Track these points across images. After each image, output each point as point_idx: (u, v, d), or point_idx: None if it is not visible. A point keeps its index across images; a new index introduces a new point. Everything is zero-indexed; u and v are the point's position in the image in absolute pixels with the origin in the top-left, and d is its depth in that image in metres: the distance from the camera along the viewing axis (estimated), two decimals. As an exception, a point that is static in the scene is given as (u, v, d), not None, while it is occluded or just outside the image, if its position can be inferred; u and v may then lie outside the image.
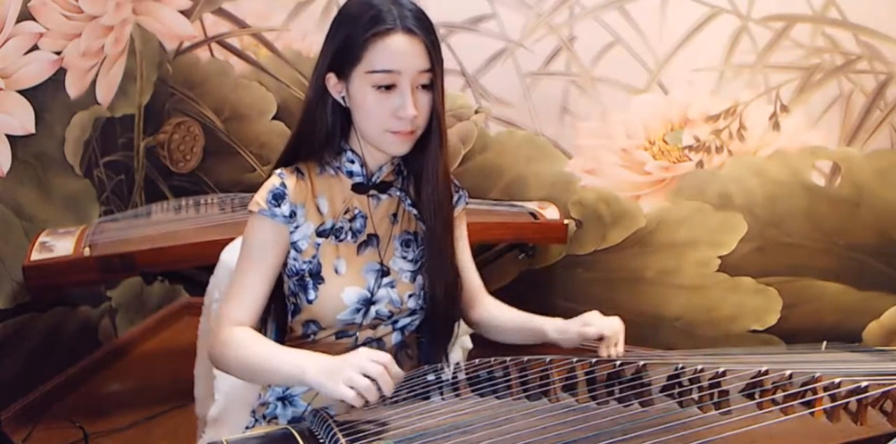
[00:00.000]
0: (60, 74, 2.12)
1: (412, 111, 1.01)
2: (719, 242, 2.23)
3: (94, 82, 2.28)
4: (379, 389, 0.86)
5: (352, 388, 0.85)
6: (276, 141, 2.52)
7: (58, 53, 2.10)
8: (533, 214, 2.17)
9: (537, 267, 2.39)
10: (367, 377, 0.86)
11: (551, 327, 1.13)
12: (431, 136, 1.08)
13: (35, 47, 2.01)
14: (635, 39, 2.12)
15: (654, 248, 2.29)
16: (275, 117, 2.50)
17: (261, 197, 1.07)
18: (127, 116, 2.49)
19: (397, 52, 0.99)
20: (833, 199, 2.10)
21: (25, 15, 1.97)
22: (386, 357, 0.88)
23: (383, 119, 1.03)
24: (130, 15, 2.42)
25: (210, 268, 1.45)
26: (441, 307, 1.15)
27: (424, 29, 1.01)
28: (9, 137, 1.96)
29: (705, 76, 2.11)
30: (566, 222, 2.18)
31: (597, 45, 2.16)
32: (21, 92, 1.99)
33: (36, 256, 1.81)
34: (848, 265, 2.15)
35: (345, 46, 1.02)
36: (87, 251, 1.81)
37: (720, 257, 2.24)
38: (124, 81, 2.43)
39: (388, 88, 1.01)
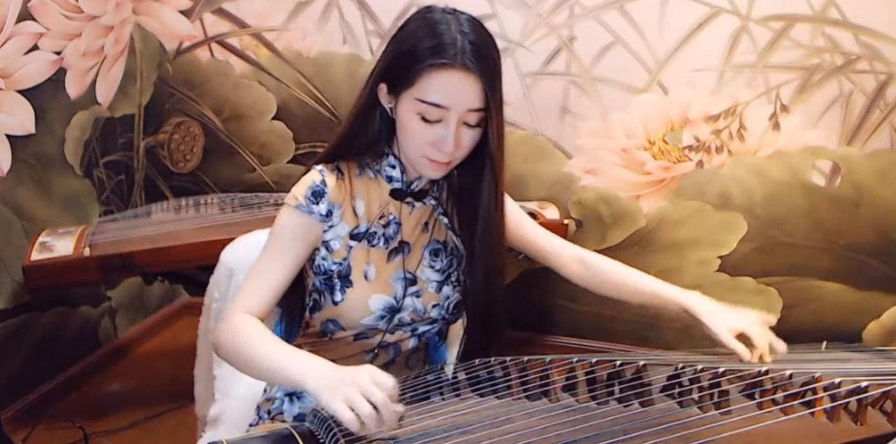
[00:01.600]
0: (60, 73, 2.12)
1: (451, 148, 1.00)
2: (719, 242, 2.23)
3: (94, 82, 2.28)
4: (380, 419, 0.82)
5: (352, 410, 0.81)
6: (276, 141, 2.52)
7: (58, 53, 2.10)
8: (533, 215, 2.16)
9: (537, 267, 2.38)
10: (370, 402, 0.82)
11: (697, 305, 1.14)
12: (485, 167, 1.06)
13: (35, 47, 2.01)
14: (635, 39, 2.12)
15: (654, 248, 2.29)
16: (275, 117, 2.50)
17: (299, 192, 1.06)
18: (127, 116, 2.49)
19: (450, 88, 0.97)
20: (833, 199, 2.10)
21: (25, 15, 1.97)
22: (390, 383, 0.84)
23: (422, 146, 1.02)
24: (130, 15, 2.42)
25: (210, 268, 1.45)
26: (486, 329, 1.15)
27: (485, 66, 0.98)
28: (9, 137, 1.96)
29: (705, 76, 2.11)
30: (566, 221, 2.18)
31: (597, 45, 2.16)
32: (21, 92, 1.99)
33: (36, 256, 1.81)
34: (848, 265, 2.15)
35: (401, 64, 1.00)
36: (87, 251, 1.81)
37: (720, 257, 2.24)
38: (124, 81, 2.43)
39: (435, 119, 0.99)
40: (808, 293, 2.20)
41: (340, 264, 1.09)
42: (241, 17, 2.43)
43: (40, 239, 1.91)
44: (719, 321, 1.10)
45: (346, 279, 1.09)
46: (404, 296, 1.11)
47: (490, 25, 2.19)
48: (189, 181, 2.65)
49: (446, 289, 1.14)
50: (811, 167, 2.10)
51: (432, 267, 1.14)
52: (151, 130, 2.60)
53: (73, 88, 2.19)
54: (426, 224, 1.14)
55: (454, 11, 1.02)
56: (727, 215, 2.20)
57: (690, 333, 2.49)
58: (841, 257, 2.15)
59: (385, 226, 1.11)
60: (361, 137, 1.09)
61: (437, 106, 0.98)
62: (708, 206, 2.21)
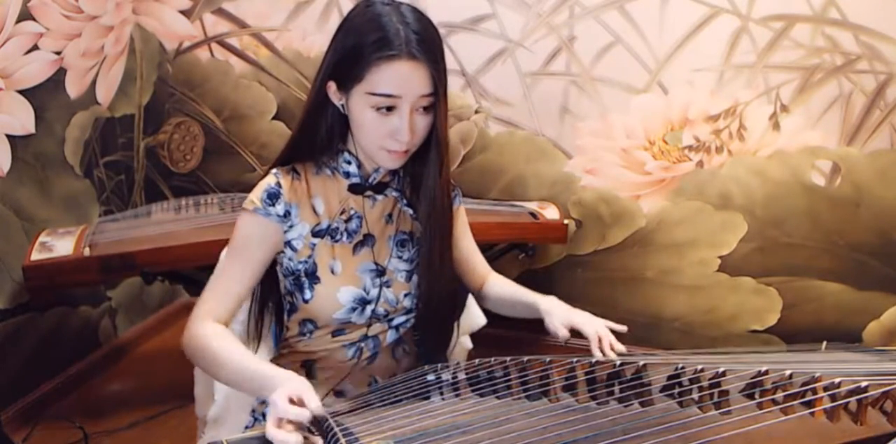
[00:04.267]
0: (60, 73, 2.12)
1: (408, 136, 1.02)
2: (719, 242, 2.23)
3: (94, 82, 2.28)
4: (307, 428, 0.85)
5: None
6: (277, 141, 2.52)
7: (58, 53, 2.10)
8: (533, 214, 2.17)
9: (537, 267, 2.39)
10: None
11: (544, 305, 1.17)
12: (431, 149, 1.08)
13: (35, 47, 2.01)
14: (635, 39, 2.12)
15: (654, 248, 2.29)
16: (275, 117, 2.50)
17: (255, 196, 1.08)
18: (127, 116, 2.49)
19: (400, 77, 0.99)
20: (833, 199, 2.10)
21: (25, 15, 1.97)
22: (304, 390, 0.88)
23: (379, 138, 1.03)
24: (130, 15, 2.42)
25: (210, 268, 1.44)
26: (438, 313, 1.16)
27: (429, 53, 1.00)
28: (9, 137, 1.96)
29: (705, 76, 2.11)
30: (566, 221, 2.18)
31: (597, 45, 2.16)
32: (21, 92, 1.99)
33: (36, 256, 1.81)
34: (848, 265, 2.15)
35: (348, 60, 1.01)
36: (87, 251, 1.81)
37: (720, 257, 2.24)
38: (124, 81, 2.43)
39: (388, 109, 1.01)
40: (808, 293, 2.20)
41: (306, 262, 1.11)
42: (241, 17, 2.43)
43: (40, 239, 1.91)
44: (555, 315, 1.15)
45: (312, 276, 1.11)
46: (376, 288, 1.12)
47: (490, 25, 2.22)
48: (189, 181, 2.65)
49: (416, 278, 1.15)
50: (811, 167, 2.10)
51: (400, 257, 1.16)
52: (151, 130, 2.60)
53: (73, 88, 2.19)
54: (390, 215, 1.16)
55: (393, 2, 1.03)
56: (727, 215, 2.20)
57: (691, 333, 2.51)
58: (841, 257, 2.15)
59: (347, 221, 1.13)
60: (315, 137, 1.10)
61: (389, 96, 1.00)
62: (708, 206, 2.21)
